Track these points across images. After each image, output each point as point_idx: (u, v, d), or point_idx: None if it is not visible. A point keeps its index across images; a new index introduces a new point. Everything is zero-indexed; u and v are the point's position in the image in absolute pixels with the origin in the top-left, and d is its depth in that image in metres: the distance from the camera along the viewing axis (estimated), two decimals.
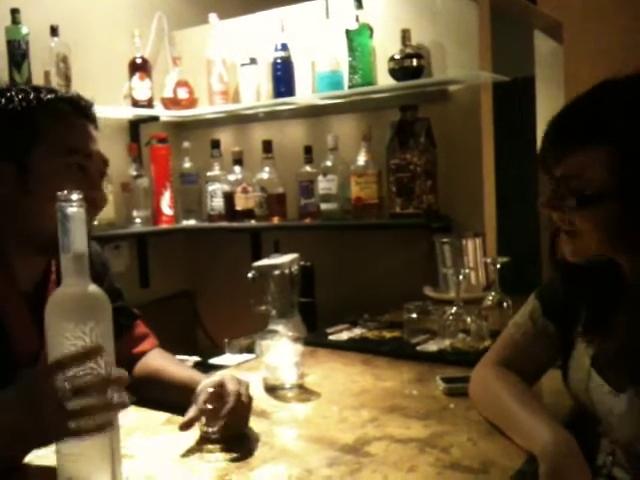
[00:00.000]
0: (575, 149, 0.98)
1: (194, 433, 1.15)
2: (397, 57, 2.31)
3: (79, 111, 1.15)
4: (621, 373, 1.02)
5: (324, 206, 2.47)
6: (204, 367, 1.73)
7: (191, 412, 1.11)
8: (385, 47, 2.39)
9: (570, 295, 1.12)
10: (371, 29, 2.40)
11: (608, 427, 1.05)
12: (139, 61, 2.63)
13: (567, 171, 0.99)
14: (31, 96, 1.11)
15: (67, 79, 2.36)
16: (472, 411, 1.20)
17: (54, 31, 2.34)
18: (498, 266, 1.72)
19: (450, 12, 2.31)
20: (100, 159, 1.16)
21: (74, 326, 0.85)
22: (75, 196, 0.86)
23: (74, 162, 1.11)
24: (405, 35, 2.31)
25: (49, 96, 1.12)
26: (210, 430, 1.11)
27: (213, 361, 1.87)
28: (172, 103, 2.77)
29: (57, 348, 0.85)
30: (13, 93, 1.10)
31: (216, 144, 2.75)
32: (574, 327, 1.11)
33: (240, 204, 2.65)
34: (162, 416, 1.24)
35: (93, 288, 0.89)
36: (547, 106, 3.17)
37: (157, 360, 1.35)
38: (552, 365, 1.20)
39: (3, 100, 1.10)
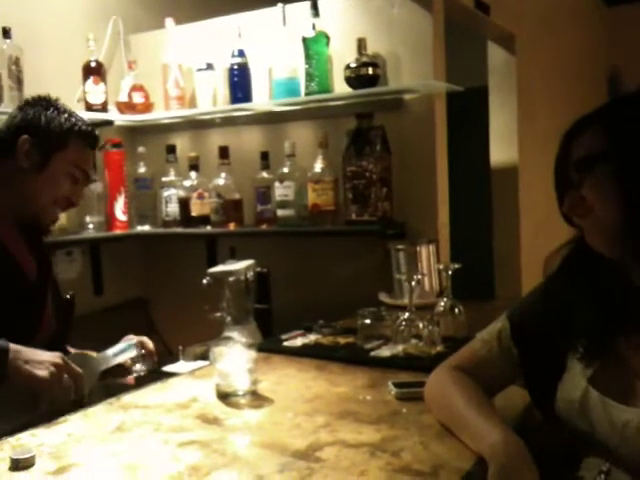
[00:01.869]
0: (578, 136, 1.09)
1: (143, 442, 1.14)
2: (353, 65, 2.34)
3: (92, 143, 1.68)
4: (632, 387, 1.02)
5: (281, 212, 2.47)
6: (158, 374, 1.71)
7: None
8: (341, 55, 2.41)
9: (557, 315, 1.13)
10: (328, 37, 2.42)
11: (614, 444, 1.01)
12: (93, 65, 2.59)
13: (574, 157, 1.09)
14: (73, 121, 1.62)
15: (19, 82, 2.31)
16: (424, 415, 1.22)
17: (6, 33, 2.29)
18: (450, 272, 1.75)
19: (405, 22, 2.35)
20: (89, 180, 1.71)
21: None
22: None
23: (74, 174, 1.62)
24: (361, 44, 2.34)
25: (83, 127, 1.64)
26: (145, 368, 1.64)
27: (167, 368, 1.84)
28: (127, 107, 2.74)
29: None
30: (62, 110, 1.62)
31: (172, 149, 2.73)
32: (565, 349, 1.11)
33: (196, 210, 2.63)
34: (111, 423, 1.23)
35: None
36: (500, 116, 3.24)
37: None
38: (511, 383, 1.21)
39: (52, 115, 1.60)
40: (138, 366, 1.66)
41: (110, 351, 1.61)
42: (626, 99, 1.12)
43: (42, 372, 1.29)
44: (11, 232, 1.60)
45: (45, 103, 1.63)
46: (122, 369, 1.64)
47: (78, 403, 1.37)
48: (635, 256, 1.03)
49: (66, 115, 1.62)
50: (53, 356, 1.33)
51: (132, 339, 1.67)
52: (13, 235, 1.60)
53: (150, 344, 1.69)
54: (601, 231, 1.06)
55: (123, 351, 1.62)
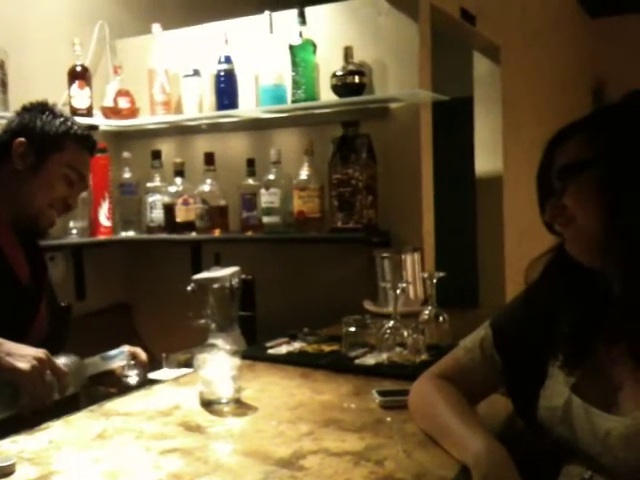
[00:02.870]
0: (561, 144, 1.09)
1: (125, 449, 1.13)
2: (339, 73, 2.34)
3: (89, 147, 1.70)
4: (614, 396, 1.02)
5: (266, 219, 2.47)
6: (141, 381, 1.70)
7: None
8: (328, 63, 2.42)
9: (538, 323, 1.13)
10: (314, 45, 2.42)
11: (596, 452, 1.01)
12: (79, 69, 2.57)
13: (556, 165, 1.08)
14: (68, 124, 1.65)
15: (4, 85, 2.29)
16: (407, 424, 1.22)
17: None
18: (435, 281, 1.75)
19: (392, 31, 2.36)
20: (86, 184, 1.73)
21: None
22: None
23: (69, 176, 1.64)
24: (348, 52, 2.35)
25: (79, 131, 1.66)
26: (136, 379, 1.61)
27: (150, 376, 1.83)
28: (112, 112, 2.73)
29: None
30: (58, 115, 1.65)
31: (157, 155, 2.72)
32: (546, 357, 1.11)
33: (181, 216, 2.62)
34: (93, 430, 1.22)
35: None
36: (485, 125, 3.27)
37: None
38: (494, 391, 1.22)
39: (48, 119, 1.63)
40: (129, 376, 1.64)
41: (99, 357, 1.59)
42: (610, 108, 1.13)
43: (23, 364, 1.27)
44: (7, 235, 1.61)
45: (41, 107, 1.67)
46: (112, 378, 1.62)
47: (69, 407, 1.36)
48: (615, 266, 1.03)
49: (62, 119, 1.65)
50: (37, 351, 1.32)
51: (124, 348, 1.65)
52: (8, 238, 1.61)
53: (143, 355, 1.68)
54: (581, 240, 1.07)
55: (113, 358, 1.61)
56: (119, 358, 1.62)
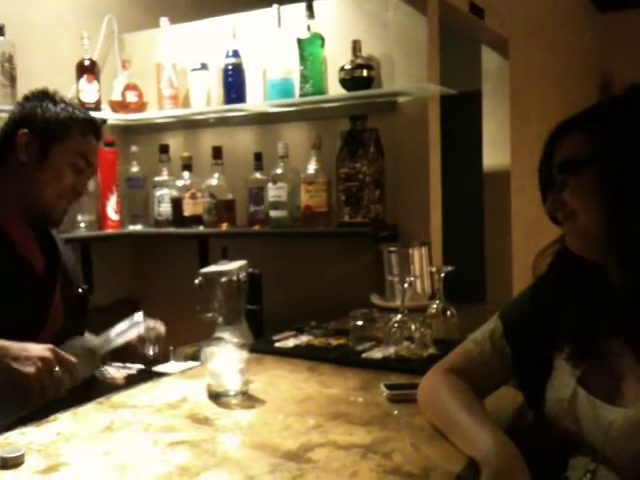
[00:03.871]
0: (562, 138, 1.10)
1: (133, 442, 1.14)
2: (347, 67, 2.34)
3: (94, 132, 1.66)
4: (618, 388, 1.03)
5: (273, 213, 2.47)
6: (148, 375, 1.70)
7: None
8: (336, 57, 2.41)
9: (544, 315, 1.13)
10: (322, 39, 2.42)
11: (600, 443, 1.02)
12: (87, 63, 2.58)
13: (557, 158, 1.09)
14: (70, 110, 1.62)
15: (12, 79, 2.30)
16: (415, 417, 1.22)
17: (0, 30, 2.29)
18: (443, 275, 1.75)
19: (400, 25, 2.35)
20: (94, 169, 1.70)
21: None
22: None
23: (76, 163, 1.61)
24: (356, 46, 2.34)
25: (81, 116, 1.63)
26: (152, 353, 1.59)
27: (157, 369, 1.84)
28: (120, 106, 2.74)
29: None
30: (58, 101, 1.62)
31: (165, 149, 2.73)
32: (551, 349, 1.12)
33: (188, 210, 2.62)
34: (101, 423, 1.22)
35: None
36: (493, 119, 3.26)
37: None
38: (504, 384, 1.22)
39: (48, 107, 1.60)
40: (146, 348, 1.63)
41: (112, 332, 1.59)
42: (611, 102, 1.13)
43: (29, 368, 1.27)
44: (19, 228, 1.60)
45: (41, 96, 1.64)
46: (131, 352, 1.62)
47: (87, 390, 1.36)
48: (615, 261, 1.03)
49: (62, 105, 1.62)
50: (42, 350, 1.31)
51: (137, 318, 1.64)
52: (21, 231, 1.60)
53: (161, 328, 1.66)
54: (580, 235, 1.07)
55: (125, 332, 1.60)
56: (131, 331, 1.60)
